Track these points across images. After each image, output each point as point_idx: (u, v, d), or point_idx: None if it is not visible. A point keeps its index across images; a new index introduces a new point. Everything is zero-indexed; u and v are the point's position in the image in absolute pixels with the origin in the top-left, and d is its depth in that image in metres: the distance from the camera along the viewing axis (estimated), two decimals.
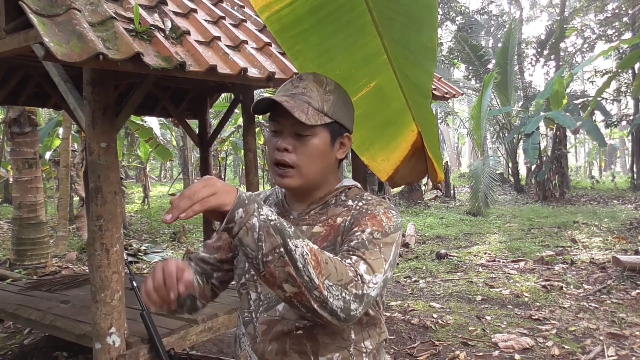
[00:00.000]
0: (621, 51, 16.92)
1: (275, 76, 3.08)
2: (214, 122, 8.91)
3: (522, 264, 7.17)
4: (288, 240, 0.96)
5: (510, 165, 19.95)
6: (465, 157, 49.35)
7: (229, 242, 1.33)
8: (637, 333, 4.36)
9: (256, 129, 8.83)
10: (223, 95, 9.47)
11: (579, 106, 17.25)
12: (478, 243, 8.97)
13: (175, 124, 8.73)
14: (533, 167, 16.63)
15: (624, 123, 19.44)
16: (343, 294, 0.99)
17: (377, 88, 1.79)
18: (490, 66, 18.89)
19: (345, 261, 1.05)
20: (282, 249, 0.95)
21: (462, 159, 48.14)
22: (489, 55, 19.49)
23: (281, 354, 1.17)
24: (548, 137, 17.90)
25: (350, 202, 1.23)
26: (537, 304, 5.30)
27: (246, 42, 3.22)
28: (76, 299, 4.01)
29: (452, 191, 17.18)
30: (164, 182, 29.62)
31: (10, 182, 13.31)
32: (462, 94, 5.99)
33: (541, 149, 15.77)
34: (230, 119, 10.96)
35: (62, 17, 2.28)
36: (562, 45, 21.74)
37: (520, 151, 19.01)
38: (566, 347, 4.11)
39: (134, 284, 2.83)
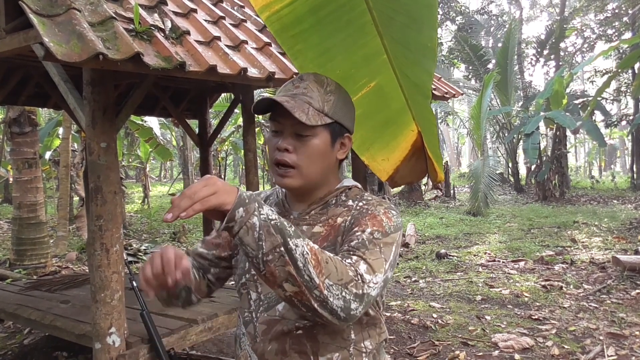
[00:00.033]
0: (621, 51, 16.92)
1: (275, 76, 3.08)
2: (214, 122, 8.90)
3: (522, 263, 7.17)
4: (288, 239, 0.96)
5: (510, 165, 19.95)
6: (465, 157, 49.36)
7: (229, 241, 1.34)
8: (637, 333, 4.36)
9: (256, 129, 8.83)
10: (223, 95, 9.47)
11: (579, 106, 17.26)
12: (478, 243, 8.97)
13: (175, 124, 8.73)
14: (533, 167, 16.63)
15: (623, 123, 19.45)
16: (343, 294, 0.99)
17: (377, 88, 1.79)
18: (490, 66, 18.89)
19: (345, 261, 1.05)
20: (282, 248, 0.95)
21: (462, 159, 48.15)
22: (489, 55, 19.49)
23: (281, 354, 1.17)
24: (548, 137, 17.90)
25: (350, 202, 1.23)
26: (537, 303, 5.30)
27: (246, 42, 3.22)
28: (76, 299, 4.01)
29: (452, 191, 17.18)
30: (164, 182, 29.63)
31: (10, 182, 13.31)
32: (462, 94, 5.99)
33: (541, 148, 15.77)
34: (230, 119, 10.96)
35: (62, 17, 2.28)
36: (562, 45, 21.75)
37: (520, 151, 19.02)
38: (566, 347, 4.11)
39: (134, 284, 2.83)
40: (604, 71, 18.16)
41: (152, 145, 11.77)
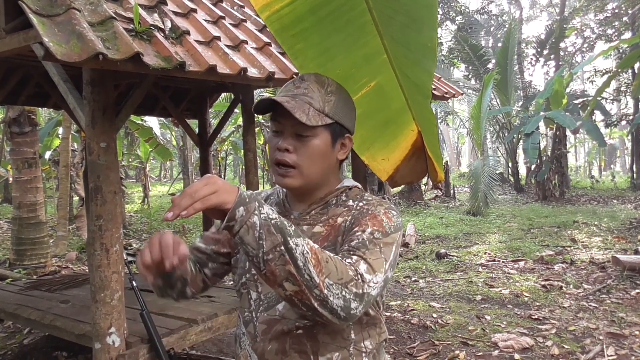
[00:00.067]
0: (621, 51, 16.92)
1: (275, 76, 3.08)
2: (214, 122, 8.90)
3: (521, 263, 7.17)
4: (289, 238, 0.96)
5: (510, 165, 19.96)
6: (465, 157, 49.37)
7: (229, 238, 1.33)
8: (637, 332, 4.36)
9: (256, 129, 8.83)
10: (223, 95, 9.47)
11: (579, 106, 17.27)
12: (478, 243, 8.97)
13: (175, 124, 8.73)
14: (533, 167, 16.63)
15: (623, 123, 19.46)
16: (343, 293, 1.00)
17: (377, 87, 1.79)
18: (490, 66, 18.90)
19: (345, 260, 1.05)
20: (282, 248, 0.95)
21: (462, 159, 48.15)
22: (488, 55, 19.50)
23: (281, 354, 1.18)
24: (548, 136, 17.90)
25: (350, 202, 1.23)
26: (537, 303, 5.30)
27: (246, 42, 3.22)
28: (76, 298, 4.01)
29: (452, 191, 17.18)
30: (163, 182, 29.62)
31: (10, 182, 13.30)
32: (462, 94, 6.00)
33: (541, 148, 15.77)
34: (230, 119, 10.96)
35: (62, 17, 2.28)
36: (562, 45, 21.75)
37: (520, 151, 19.03)
38: (566, 346, 4.11)
39: (134, 283, 2.83)
40: (603, 71, 18.17)
41: (152, 145, 11.76)
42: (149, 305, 2.98)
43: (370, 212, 1.17)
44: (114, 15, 2.47)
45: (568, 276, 6.29)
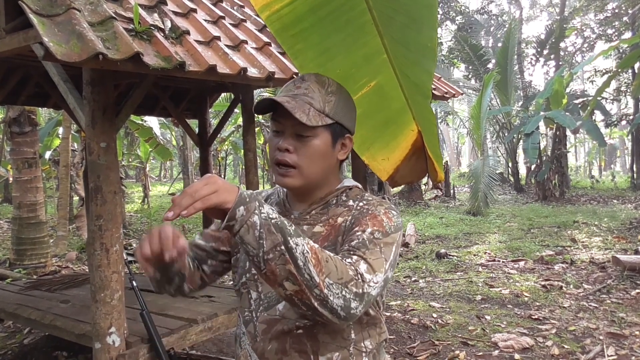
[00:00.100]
0: (621, 51, 16.92)
1: (275, 76, 3.08)
2: (214, 122, 8.90)
3: (522, 263, 7.17)
4: (289, 238, 0.96)
5: (510, 165, 19.96)
6: (465, 157, 49.37)
7: (229, 237, 1.33)
8: (637, 333, 4.36)
9: (256, 129, 8.83)
10: (223, 95, 9.47)
11: (579, 106, 17.26)
12: (478, 243, 8.97)
13: (175, 124, 8.73)
14: (533, 167, 16.63)
15: (623, 123, 19.46)
16: (343, 293, 1.00)
17: (378, 87, 1.79)
18: (490, 66, 18.90)
19: (345, 260, 1.05)
20: (283, 247, 0.96)
21: (462, 159, 48.15)
22: (488, 55, 19.50)
23: (281, 353, 1.18)
24: (548, 136, 17.90)
25: (351, 202, 1.24)
26: (537, 303, 5.30)
27: (246, 42, 3.22)
28: (76, 298, 4.01)
29: (452, 191, 17.18)
30: (163, 182, 29.62)
31: (10, 182, 13.30)
32: (462, 94, 6.00)
33: (541, 148, 15.77)
34: (230, 119, 10.96)
35: (62, 17, 2.28)
36: (562, 44, 21.75)
37: (520, 151, 19.03)
38: (566, 346, 4.11)
39: (134, 283, 2.83)
40: (604, 71, 18.17)
41: (152, 145, 11.76)
42: (149, 305, 2.98)
43: (370, 212, 1.18)
44: (114, 15, 2.47)
45: (568, 276, 6.29)
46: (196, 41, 2.82)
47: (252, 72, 2.95)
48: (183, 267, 1.25)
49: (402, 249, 8.18)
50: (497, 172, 16.97)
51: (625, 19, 17.91)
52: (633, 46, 11.26)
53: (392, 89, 1.80)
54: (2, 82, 4.49)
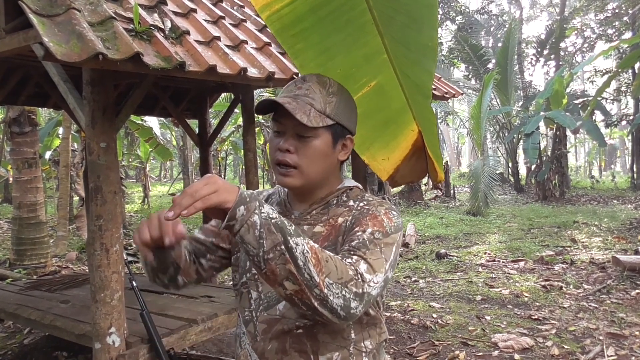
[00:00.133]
0: (621, 51, 16.93)
1: (275, 76, 3.08)
2: (214, 122, 8.90)
3: (521, 263, 7.17)
4: (289, 238, 0.96)
5: (510, 165, 19.96)
6: (465, 157, 49.37)
7: (229, 236, 1.33)
8: (637, 333, 4.36)
9: (256, 129, 8.83)
10: (223, 95, 9.46)
11: (579, 106, 17.26)
12: (478, 243, 8.97)
13: (175, 124, 8.73)
14: (533, 167, 16.63)
15: (624, 123, 19.46)
16: (343, 292, 1.00)
17: (378, 87, 1.79)
18: (490, 66, 18.90)
19: (345, 260, 1.05)
20: (283, 247, 0.96)
21: (462, 159, 48.15)
22: (489, 55, 19.49)
23: (281, 353, 1.18)
24: (548, 136, 17.90)
25: (351, 203, 1.24)
26: (537, 303, 5.30)
27: (246, 42, 3.22)
28: (76, 298, 4.01)
29: (452, 191, 17.18)
30: (164, 182, 29.62)
31: (10, 182, 13.30)
32: (462, 94, 6.00)
33: (541, 148, 15.77)
34: (230, 119, 10.95)
35: (62, 17, 2.28)
36: (562, 44, 21.75)
37: (520, 151, 19.03)
38: (566, 347, 4.11)
39: (134, 283, 2.82)
40: (604, 71, 18.16)
41: (152, 145, 11.76)
42: (149, 305, 2.97)
43: (370, 212, 1.18)
44: (114, 15, 2.47)
45: (568, 276, 6.29)
46: (196, 41, 2.82)
47: (252, 72, 2.95)
48: (179, 257, 1.23)
49: (402, 249, 8.17)
50: (497, 172, 16.96)
51: (625, 19, 17.91)
52: (633, 46, 11.26)
53: (392, 88, 1.80)
54: (2, 82, 4.49)
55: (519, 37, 21.00)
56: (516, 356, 3.94)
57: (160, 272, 1.24)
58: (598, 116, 19.19)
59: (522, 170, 21.65)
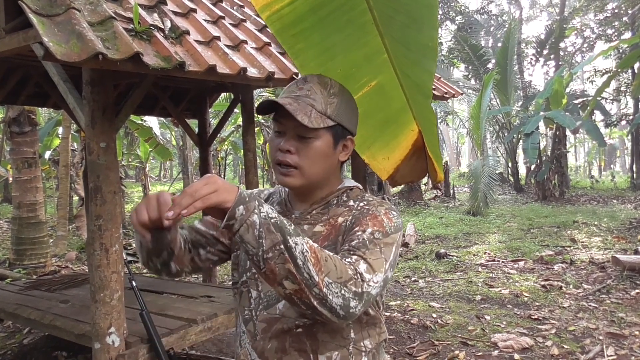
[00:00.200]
0: (621, 51, 16.92)
1: (275, 76, 3.08)
2: (214, 122, 8.90)
3: (521, 263, 7.17)
4: (288, 237, 0.97)
5: (509, 165, 19.96)
6: (464, 157, 49.37)
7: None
8: (637, 333, 4.36)
9: (256, 129, 8.83)
10: (223, 95, 9.47)
11: (579, 106, 17.27)
12: (477, 243, 8.97)
13: (175, 124, 8.73)
14: (533, 167, 16.64)
15: (623, 123, 19.46)
16: (342, 292, 1.00)
17: (378, 87, 1.79)
18: (490, 66, 18.91)
19: (345, 260, 1.06)
20: (282, 246, 0.96)
21: (461, 159, 48.16)
22: (488, 55, 19.51)
23: (281, 352, 1.18)
24: (548, 136, 17.91)
25: (351, 203, 1.24)
26: (537, 303, 5.30)
27: (246, 42, 3.22)
28: (75, 298, 4.01)
29: (451, 191, 17.19)
30: (163, 182, 29.61)
31: (10, 182, 13.30)
32: (461, 94, 6.00)
33: (541, 148, 15.77)
34: (229, 119, 10.95)
35: (62, 17, 2.28)
36: (562, 44, 21.76)
37: (519, 151, 19.03)
38: (565, 346, 4.11)
39: (134, 283, 2.82)
40: (603, 71, 18.17)
41: (151, 144, 11.75)
42: (149, 305, 2.97)
43: (370, 212, 1.18)
44: (113, 15, 2.47)
45: (568, 276, 6.29)
46: (196, 41, 2.82)
47: (252, 72, 2.95)
48: (174, 241, 1.21)
49: (401, 249, 8.18)
50: (497, 172, 16.97)
51: (625, 19, 17.91)
52: (633, 46, 11.26)
53: (392, 88, 1.80)
54: (2, 82, 4.49)
55: (519, 37, 21.01)
56: (516, 356, 3.95)
57: (154, 255, 1.22)
58: (598, 116, 19.21)
59: (522, 170, 21.67)
